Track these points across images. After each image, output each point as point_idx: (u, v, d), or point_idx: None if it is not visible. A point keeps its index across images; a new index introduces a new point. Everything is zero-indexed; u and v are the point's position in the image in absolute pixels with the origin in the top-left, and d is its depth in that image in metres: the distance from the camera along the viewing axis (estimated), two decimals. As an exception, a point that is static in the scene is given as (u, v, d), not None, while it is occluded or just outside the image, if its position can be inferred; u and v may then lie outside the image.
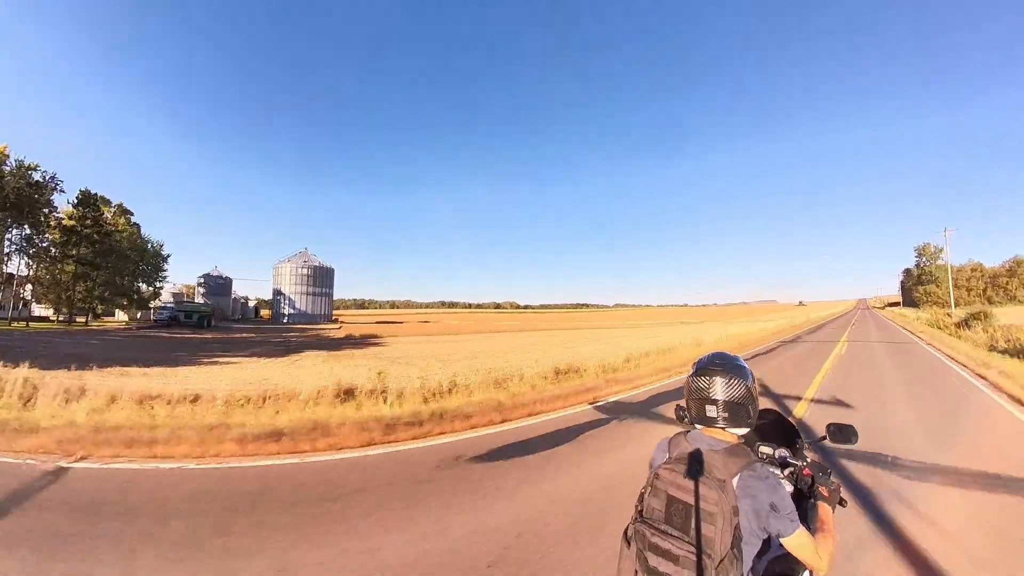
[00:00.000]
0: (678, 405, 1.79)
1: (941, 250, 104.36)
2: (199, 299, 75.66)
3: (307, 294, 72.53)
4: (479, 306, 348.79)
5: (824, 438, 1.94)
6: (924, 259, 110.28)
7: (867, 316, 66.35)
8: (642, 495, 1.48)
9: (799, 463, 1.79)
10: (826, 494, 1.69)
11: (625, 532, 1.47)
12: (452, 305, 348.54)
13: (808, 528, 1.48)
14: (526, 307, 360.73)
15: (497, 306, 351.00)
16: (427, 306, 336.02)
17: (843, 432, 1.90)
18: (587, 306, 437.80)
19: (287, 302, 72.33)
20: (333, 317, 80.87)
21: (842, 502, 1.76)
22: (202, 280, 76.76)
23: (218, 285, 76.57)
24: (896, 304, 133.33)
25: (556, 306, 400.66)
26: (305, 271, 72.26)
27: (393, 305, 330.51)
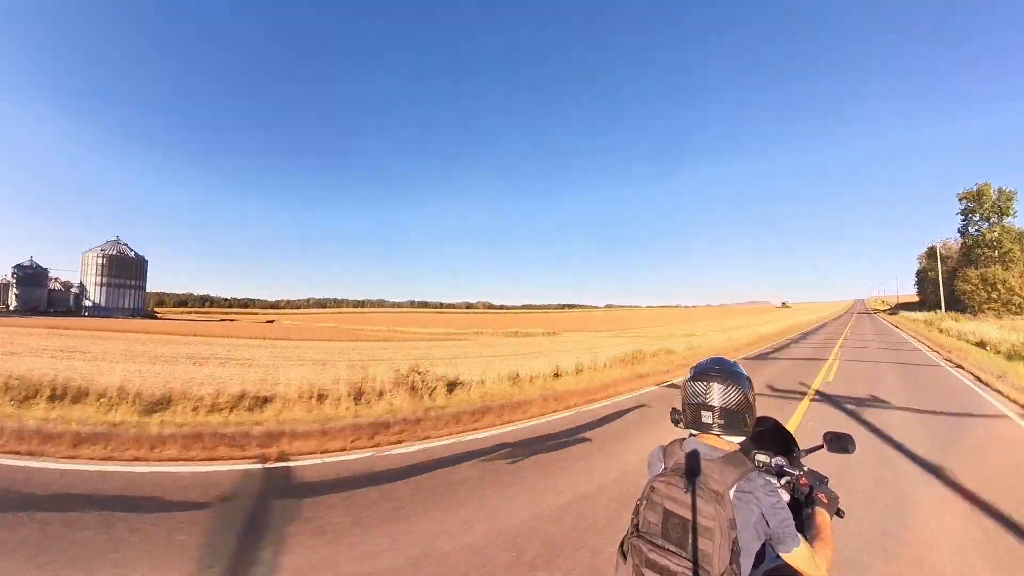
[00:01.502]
0: (674, 408, 1.67)
1: (1012, 196, 55.07)
2: (12, 291, 72.63)
3: (107, 285, 68.36)
4: (450, 306, 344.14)
5: (821, 447, 1.88)
6: (980, 217, 57.86)
7: (866, 327, 40.75)
8: (638, 507, 1.42)
9: (796, 472, 1.72)
10: (825, 501, 1.61)
11: (621, 545, 1.43)
12: (424, 305, 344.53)
13: (805, 537, 1.40)
14: (500, 307, 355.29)
15: (469, 306, 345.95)
16: (396, 306, 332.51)
17: (840, 441, 1.84)
18: (574, 307, 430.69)
19: (84, 293, 68.33)
20: (154, 311, 76.76)
21: (839, 512, 1.67)
22: (15, 271, 73.33)
23: (29, 276, 73.23)
24: (911, 305, 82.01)
25: (536, 307, 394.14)
26: (101, 260, 68.12)
27: (361, 304, 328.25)
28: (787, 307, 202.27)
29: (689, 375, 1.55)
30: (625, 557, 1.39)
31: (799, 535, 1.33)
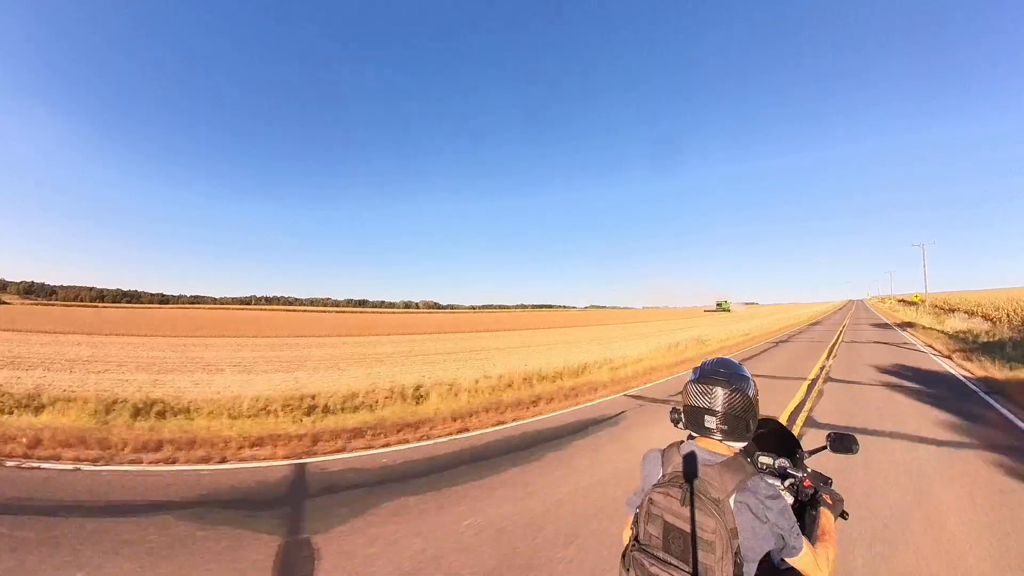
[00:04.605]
0: (674, 408, 1.59)
1: None
2: None
3: None
4: (390, 305, 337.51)
5: (825, 448, 1.88)
6: None
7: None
8: (637, 517, 1.39)
9: (800, 474, 1.68)
10: (830, 503, 1.61)
11: (623, 556, 1.40)
12: (362, 303, 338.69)
13: (808, 539, 1.39)
14: (448, 307, 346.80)
15: (407, 305, 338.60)
16: (336, 304, 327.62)
17: (844, 441, 1.83)
18: (552, 307, 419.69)
19: None
20: None
21: (844, 514, 1.65)
22: None
23: None
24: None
25: (501, 306, 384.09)
26: None
27: (295, 302, 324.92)
28: (724, 310, 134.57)
29: (692, 376, 1.45)
30: (628, 569, 1.35)
31: (802, 538, 1.28)
